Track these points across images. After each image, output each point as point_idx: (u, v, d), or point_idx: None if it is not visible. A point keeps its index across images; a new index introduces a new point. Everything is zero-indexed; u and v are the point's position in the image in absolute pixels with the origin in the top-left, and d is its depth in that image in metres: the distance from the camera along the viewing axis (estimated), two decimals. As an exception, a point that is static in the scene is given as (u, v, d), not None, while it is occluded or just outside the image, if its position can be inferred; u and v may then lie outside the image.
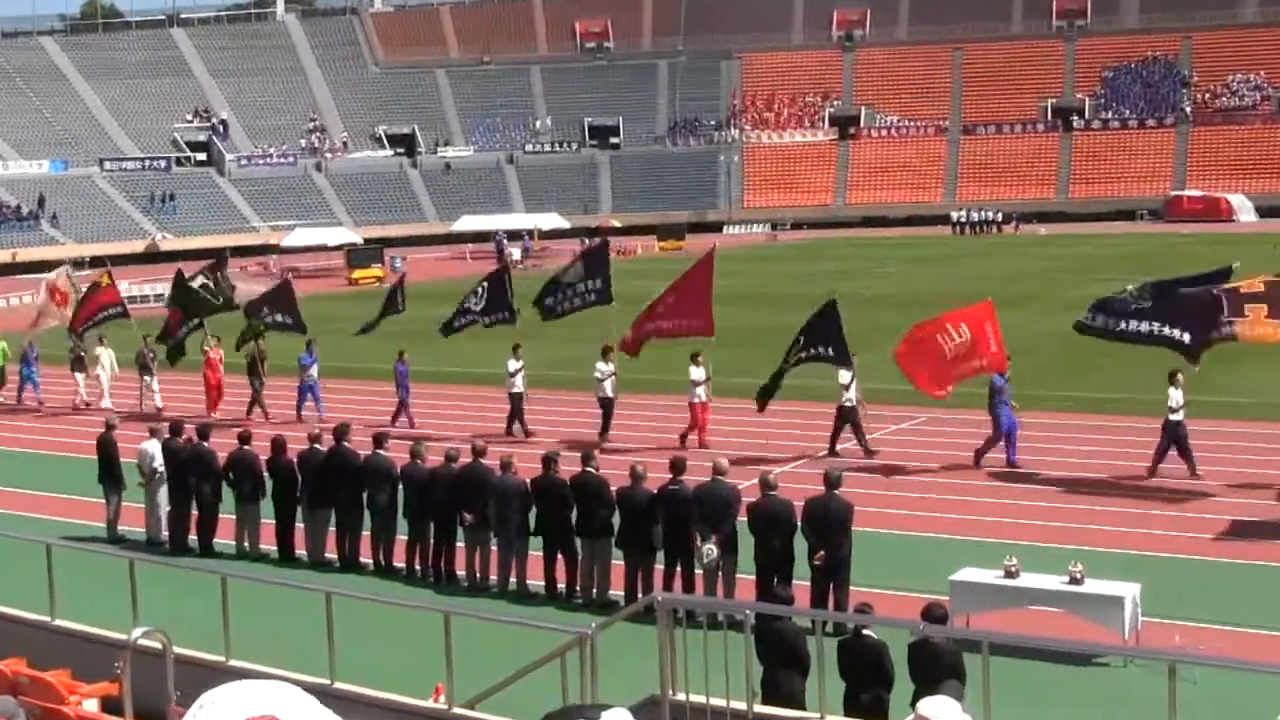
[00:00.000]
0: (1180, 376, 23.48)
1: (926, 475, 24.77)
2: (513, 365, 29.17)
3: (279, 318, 33.14)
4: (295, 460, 20.67)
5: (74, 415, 34.51)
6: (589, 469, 18.12)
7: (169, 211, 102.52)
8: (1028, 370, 25.25)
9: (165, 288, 62.27)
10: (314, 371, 32.07)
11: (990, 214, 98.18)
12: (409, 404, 30.66)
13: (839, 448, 26.16)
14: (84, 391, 35.61)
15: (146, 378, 34.28)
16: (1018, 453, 24.90)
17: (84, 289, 36.96)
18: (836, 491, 16.58)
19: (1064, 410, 27.01)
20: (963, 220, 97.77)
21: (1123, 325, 23.95)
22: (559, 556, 18.16)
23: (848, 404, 26.13)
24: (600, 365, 28.45)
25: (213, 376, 33.10)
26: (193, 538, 21.20)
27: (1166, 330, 23.43)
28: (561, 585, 18.14)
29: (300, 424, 29.46)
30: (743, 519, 16.89)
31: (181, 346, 34.14)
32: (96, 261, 79.85)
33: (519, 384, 29.18)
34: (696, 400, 27.41)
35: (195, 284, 34.14)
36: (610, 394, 28.42)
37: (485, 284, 30.51)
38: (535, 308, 30.37)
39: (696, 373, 27.38)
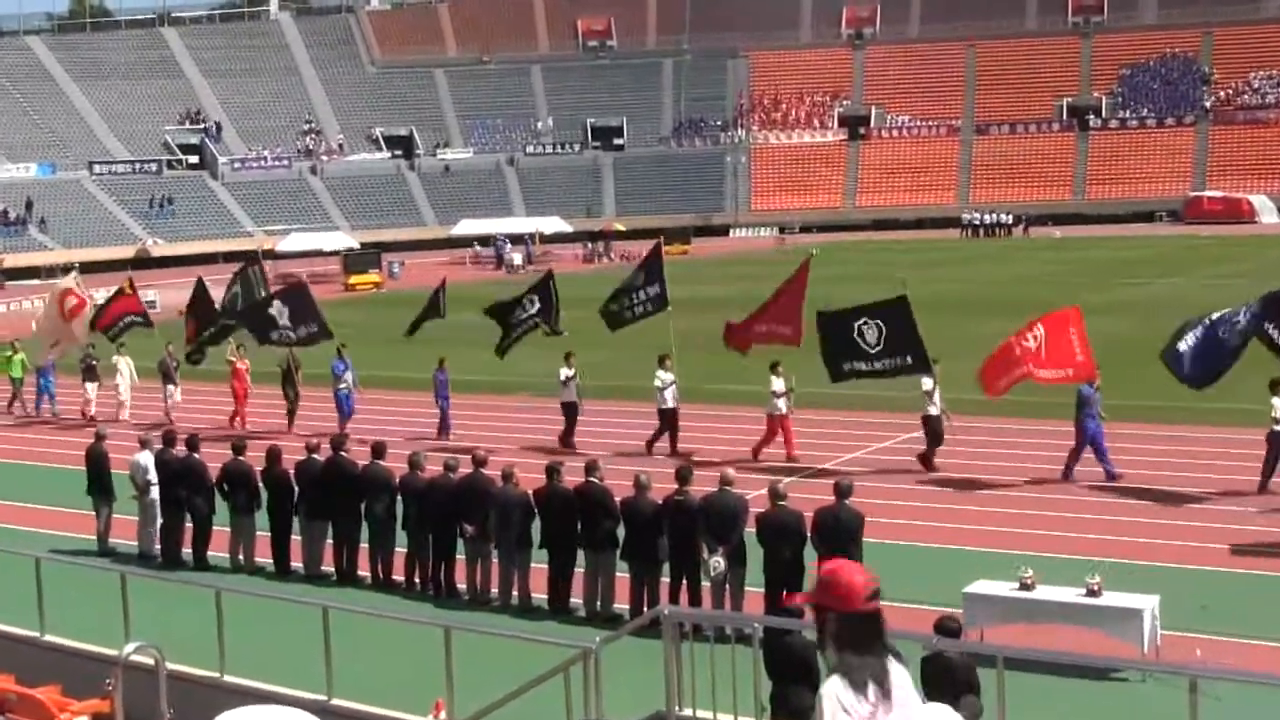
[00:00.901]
0: None
1: (941, 485, 24.76)
2: (565, 373, 28.57)
3: (301, 331, 31.44)
4: (291, 470, 20.70)
5: (88, 427, 33.63)
6: (592, 479, 18.13)
7: (167, 215, 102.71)
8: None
9: (156, 295, 62.55)
10: (349, 379, 31.32)
11: (1000, 216, 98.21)
12: (449, 414, 30.19)
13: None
14: (95, 402, 35.08)
15: (170, 387, 33.92)
16: (1112, 463, 24.35)
17: (95, 293, 36.81)
18: (847, 501, 16.60)
19: (1066, 419, 26.96)
20: (975, 223, 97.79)
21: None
22: (562, 569, 18.17)
23: (932, 412, 25.42)
24: (660, 374, 27.74)
25: (240, 387, 32.71)
26: (186, 551, 21.23)
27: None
28: (577, 599, 18.15)
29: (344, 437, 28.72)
30: (751, 530, 16.90)
31: (202, 350, 33.74)
32: (86, 268, 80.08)
33: (573, 393, 28.64)
34: (777, 413, 26.58)
35: (234, 298, 33.57)
36: (671, 404, 27.72)
37: (535, 295, 29.59)
38: (602, 317, 29.79)
39: (777, 383, 26.53)
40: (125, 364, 34.62)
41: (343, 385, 31.19)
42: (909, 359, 25.04)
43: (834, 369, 25.79)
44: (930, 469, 25.50)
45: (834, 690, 5.42)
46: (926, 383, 25.32)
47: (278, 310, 31.64)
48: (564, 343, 29.55)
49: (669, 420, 27.77)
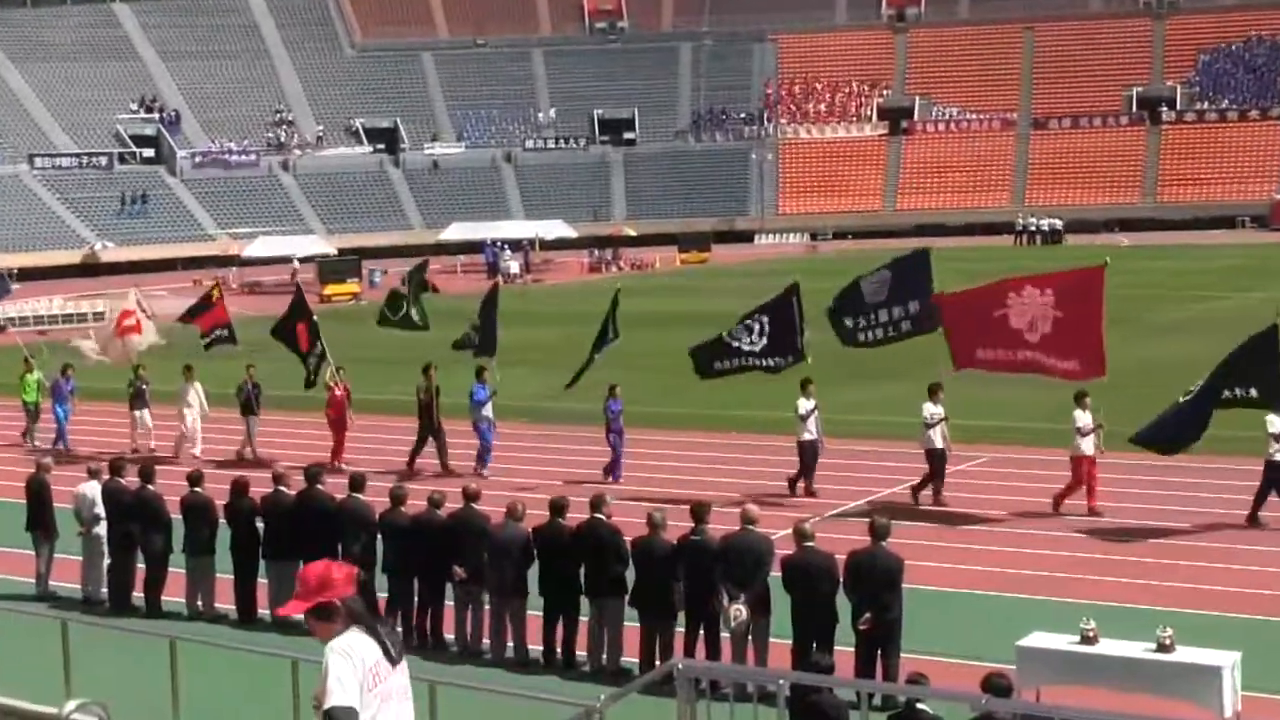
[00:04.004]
0: None
1: (990, 524, 24.76)
2: (804, 406, 27.21)
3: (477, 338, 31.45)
4: (258, 505, 20.73)
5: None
6: (598, 516, 18.14)
7: (139, 215, 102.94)
8: (1108, 407, 25.14)
9: (106, 304, 62.50)
10: (489, 411, 30.16)
11: (1045, 223, 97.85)
12: (621, 453, 28.95)
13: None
14: (135, 433, 33.94)
15: (251, 418, 32.52)
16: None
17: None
18: (884, 543, 16.61)
19: (1134, 453, 26.96)
20: (1029, 229, 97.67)
21: None
22: (563, 617, 18.19)
23: (1277, 457, 24.51)
24: (928, 408, 26.40)
25: (333, 415, 31.59)
26: (137, 595, 21.25)
27: None
28: (582, 652, 18.16)
29: (484, 480, 27.87)
30: (776, 574, 16.91)
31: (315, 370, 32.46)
32: (25, 274, 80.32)
33: (812, 429, 27.27)
34: (1082, 454, 25.14)
35: (399, 305, 33.38)
36: (939, 444, 26.34)
37: (766, 317, 27.78)
38: (832, 327, 28.02)
39: (1083, 418, 25.18)
40: (195, 391, 33.04)
41: (483, 418, 30.10)
42: (1255, 390, 24.70)
43: (706, 366, 28.06)
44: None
45: (344, 647, 7.26)
46: (1275, 422, 24.36)
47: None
48: (790, 370, 28.02)
49: (937, 465, 26.48)
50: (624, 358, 30.34)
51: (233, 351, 34.67)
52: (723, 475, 28.74)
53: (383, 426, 33.75)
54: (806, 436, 27.20)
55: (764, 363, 27.66)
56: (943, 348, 26.68)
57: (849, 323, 27.58)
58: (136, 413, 33.98)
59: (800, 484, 27.17)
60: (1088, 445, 25.11)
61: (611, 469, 28.89)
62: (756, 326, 27.41)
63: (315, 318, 32.60)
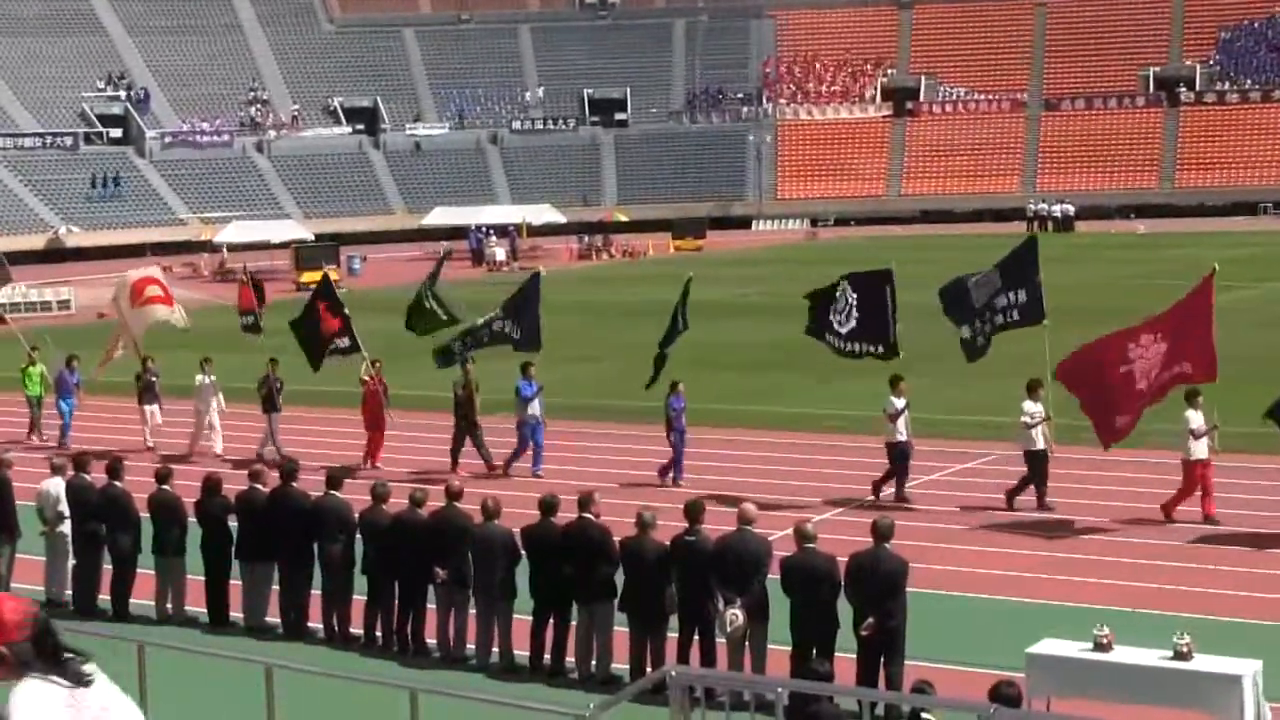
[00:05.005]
0: None
1: (1002, 526, 24.76)
2: (895, 404, 26.42)
3: (514, 330, 30.30)
4: (231, 503, 20.71)
5: (145, 454, 31.63)
6: (586, 515, 18.13)
7: (110, 198, 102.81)
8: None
9: (70, 293, 62.52)
10: (536, 408, 29.55)
11: (1057, 209, 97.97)
12: (683, 452, 28.49)
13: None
14: (146, 430, 33.24)
15: (272, 414, 31.94)
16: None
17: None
18: (888, 544, 16.60)
19: (1172, 448, 26.96)
20: (1042, 214, 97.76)
21: None
22: (551, 621, 18.18)
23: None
24: (1028, 406, 25.71)
25: (371, 413, 31.07)
26: (104, 597, 21.23)
27: None
28: (570, 658, 18.16)
29: (534, 479, 28.10)
30: (775, 577, 16.91)
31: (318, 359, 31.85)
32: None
33: (903, 430, 26.48)
34: (1195, 458, 24.46)
35: (425, 299, 31.82)
36: (1041, 445, 25.61)
37: (856, 295, 27.02)
38: (962, 348, 27.42)
39: (1196, 419, 24.50)
40: (213, 385, 32.44)
41: (530, 416, 29.56)
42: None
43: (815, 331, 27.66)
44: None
45: (30, 691, 6.89)
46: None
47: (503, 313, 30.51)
48: (873, 366, 27.96)
49: (1039, 467, 25.74)
50: (611, 350, 30.22)
51: (256, 342, 34.17)
52: (786, 478, 28.49)
53: (415, 424, 33.12)
54: (898, 438, 26.34)
55: (850, 347, 27.04)
56: (1035, 338, 26.49)
57: (967, 333, 27.11)
58: (147, 408, 33.34)
59: (884, 488, 26.35)
60: (1201, 448, 24.42)
61: (668, 469, 28.42)
62: (845, 305, 26.66)
63: (346, 310, 31.71)
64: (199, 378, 32.37)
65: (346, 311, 31.72)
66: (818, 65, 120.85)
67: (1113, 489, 26.32)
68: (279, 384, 31.92)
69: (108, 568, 21.24)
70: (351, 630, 19.63)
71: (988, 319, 26.83)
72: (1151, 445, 27.11)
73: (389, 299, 33.77)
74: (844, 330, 26.90)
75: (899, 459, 26.39)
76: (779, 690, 11.72)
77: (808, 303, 27.93)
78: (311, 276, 74.93)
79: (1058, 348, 26.23)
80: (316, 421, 34.80)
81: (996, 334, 27.03)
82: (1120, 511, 25.07)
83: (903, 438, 26.40)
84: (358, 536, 19.69)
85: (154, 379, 33.50)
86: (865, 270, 27.81)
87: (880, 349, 26.83)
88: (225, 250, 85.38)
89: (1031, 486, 25.66)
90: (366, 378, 31.17)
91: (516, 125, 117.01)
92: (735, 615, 16.67)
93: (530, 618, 18.27)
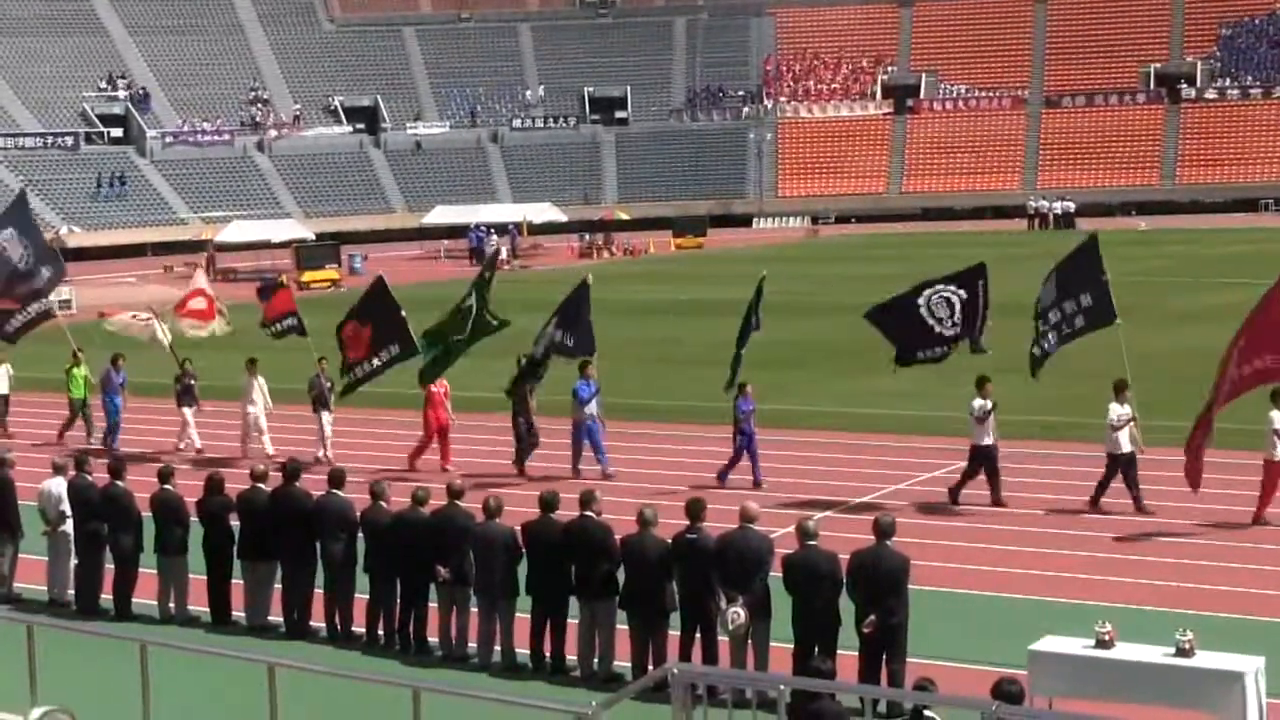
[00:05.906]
0: None
1: (1006, 521, 24.74)
2: (981, 406, 25.76)
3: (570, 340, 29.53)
4: (232, 502, 20.71)
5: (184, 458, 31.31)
6: (588, 513, 18.12)
7: (114, 198, 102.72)
8: (1139, 400, 25.01)
9: (71, 293, 62.34)
10: (593, 407, 29.11)
11: (1058, 206, 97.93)
12: (756, 454, 28.04)
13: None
14: (193, 433, 32.79)
15: (325, 415, 31.34)
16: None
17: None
18: (889, 542, 16.59)
19: (1170, 445, 26.91)
20: (1042, 211, 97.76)
21: None
22: (552, 620, 18.18)
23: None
24: (1114, 408, 25.11)
25: (435, 417, 30.36)
26: (106, 597, 21.24)
27: None
28: (571, 655, 18.17)
29: (574, 478, 27.76)
30: (777, 574, 16.91)
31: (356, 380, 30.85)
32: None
33: (990, 433, 25.79)
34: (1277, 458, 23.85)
35: (469, 304, 31.45)
36: (1127, 448, 24.99)
37: (963, 293, 26.42)
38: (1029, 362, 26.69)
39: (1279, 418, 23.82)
40: (259, 386, 32.16)
41: (587, 415, 29.15)
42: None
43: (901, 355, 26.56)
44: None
45: None
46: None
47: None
48: (962, 364, 27.39)
49: (1123, 468, 25.21)
50: (612, 349, 30.05)
51: (301, 342, 33.76)
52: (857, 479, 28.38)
53: (471, 425, 32.65)
54: (985, 440, 25.72)
55: (951, 350, 26.33)
56: (1108, 338, 26.22)
57: (1025, 344, 26.48)
58: (186, 410, 32.89)
59: (963, 490, 25.89)
60: None
61: (729, 470, 27.96)
62: (956, 302, 25.89)
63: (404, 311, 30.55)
64: (245, 379, 32.14)
65: (404, 313, 30.36)
66: (818, 63, 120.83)
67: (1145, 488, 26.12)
68: (329, 384, 31.38)
69: (110, 567, 21.25)
70: (354, 629, 19.63)
71: (1048, 325, 26.08)
72: (1158, 443, 27.07)
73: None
74: (949, 334, 25.99)
75: (983, 460, 25.74)
76: (781, 688, 11.72)
77: (873, 326, 27.00)
78: (313, 276, 75.26)
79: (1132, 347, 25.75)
80: (368, 424, 34.31)
81: (1065, 343, 26.44)
82: (1113, 506, 25.05)
83: (989, 440, 25.72)
84: (359, 535, 19.72)
85: (192, 382, 33.00)
86: (960, 270, 26.67)
87: (969, 344, 26.16)
88: (211, 248, 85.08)
89: (1125, 489, 25.02)
90: (431, 386, 30.19)
91: (517, 124, 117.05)
92: (737, 613, 16.66)
93: (530, 616, 18.28)
